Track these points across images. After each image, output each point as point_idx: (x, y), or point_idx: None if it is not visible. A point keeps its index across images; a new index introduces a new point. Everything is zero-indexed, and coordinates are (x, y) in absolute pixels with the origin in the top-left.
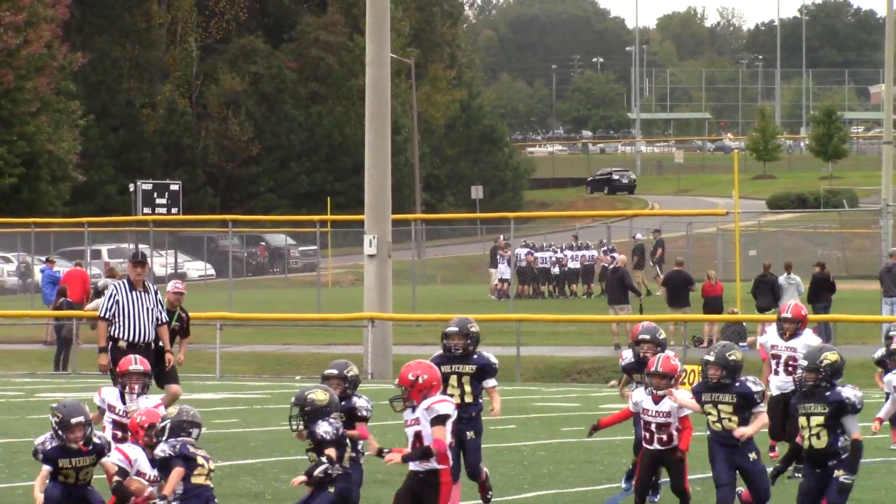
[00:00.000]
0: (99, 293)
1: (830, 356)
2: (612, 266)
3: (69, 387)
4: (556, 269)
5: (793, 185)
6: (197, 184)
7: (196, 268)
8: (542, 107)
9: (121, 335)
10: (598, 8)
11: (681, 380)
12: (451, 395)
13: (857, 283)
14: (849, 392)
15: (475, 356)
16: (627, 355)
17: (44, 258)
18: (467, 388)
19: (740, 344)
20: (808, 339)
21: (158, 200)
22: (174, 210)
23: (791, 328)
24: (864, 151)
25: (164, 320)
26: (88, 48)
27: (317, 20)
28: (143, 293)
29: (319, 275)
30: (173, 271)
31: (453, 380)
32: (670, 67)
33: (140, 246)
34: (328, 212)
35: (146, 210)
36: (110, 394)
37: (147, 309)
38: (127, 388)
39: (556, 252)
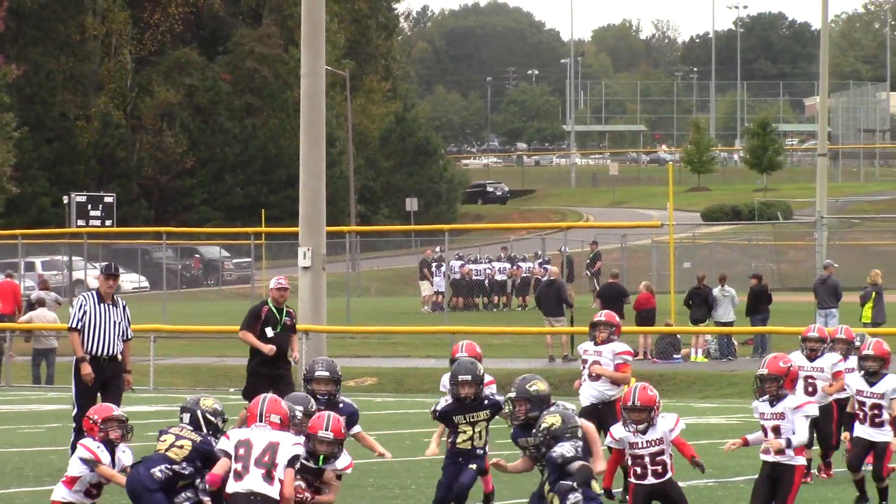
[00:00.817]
0: (32, 306)
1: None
2: (547, 279)
3: (2, 398)
4: (499, 277)
5: (727, 198)
6: (131, 196)
7: (130, 280)
8: (476, 119)
9: (86, 347)
10: (534, 20)
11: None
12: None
13: (791, 295)
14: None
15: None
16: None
17: None
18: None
19: (674, 356)
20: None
21: (92, 213)
22: (108, 222)
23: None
24: (798, 164)
25: (130, 336)
26: (23, 60)
27: (252, 32)
28: (111, 306)
29: (254, 287)
30: None
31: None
32: (605, 79)
33: (74, 258)
34: (262, 224)
35: (80, 222)
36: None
37: (115, 322)
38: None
39: (488, 263)
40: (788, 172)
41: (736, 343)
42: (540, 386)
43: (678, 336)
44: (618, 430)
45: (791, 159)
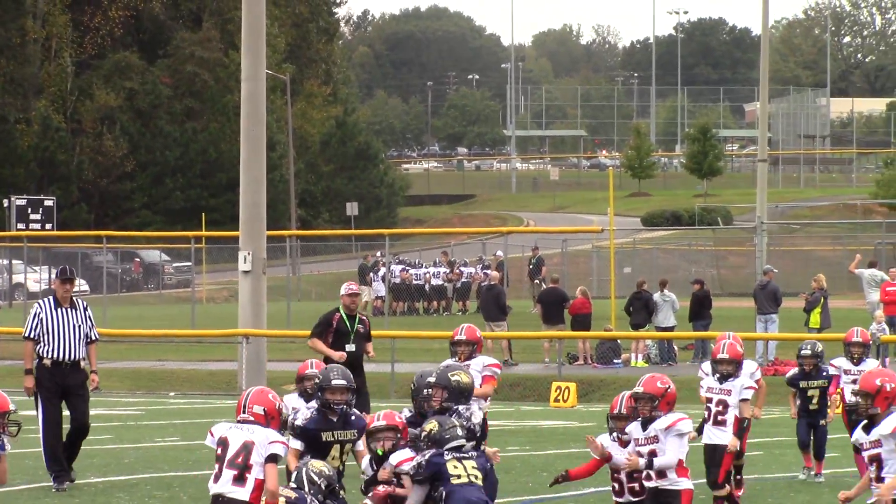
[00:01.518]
0: None
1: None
2: (487, 283)
3: None
4: (435, 281)
5: (668, 203)
6: (71, 199)
7: None
8: (417, 123)
9: (46, 353)
10: (474, 25)
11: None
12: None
13: (731, 300)
14: None
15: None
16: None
17: None
18: None
19: (614, 361)
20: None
21: (32, 216)
22: (48, 226)
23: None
24: (739, 169)
25: (95, 337)
26: None
27: (192, 36)
28: (70, 310)
29: (194, 291)
30: (47, 286)
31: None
32: (546, 84)
33: (13, 262)
34: (203, 228)
35: (20, 226)
36: None
37: (74, 326)
38: None
39: (428, 269)
40: (729, 178)
41: (676, 348)
42: (463, 378)
43: (618, 341)
44: (604, 437)
45: (731, 165)
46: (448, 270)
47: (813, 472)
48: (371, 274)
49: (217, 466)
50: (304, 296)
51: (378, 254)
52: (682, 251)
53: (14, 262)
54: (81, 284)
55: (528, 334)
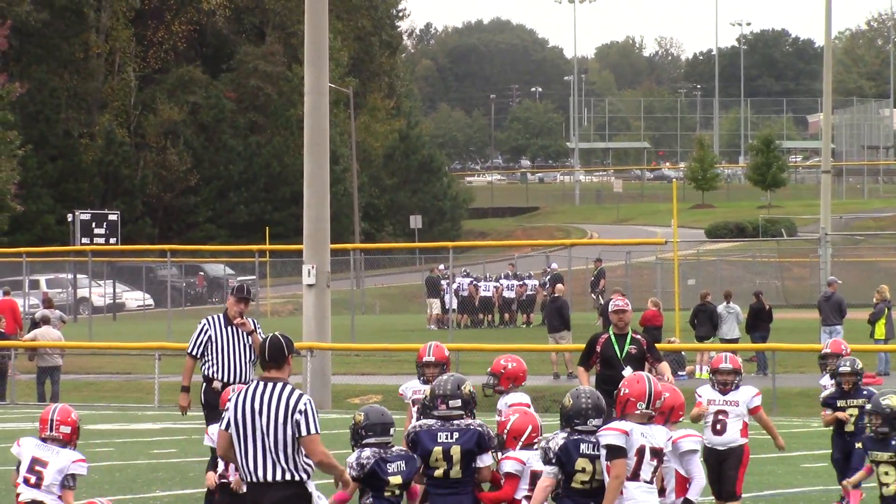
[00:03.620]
0: (36, 324)
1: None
2: (551, 296)
3: (6, 417)
4: (507, 294)
5: (731, 215)
6: (135, 214)
7: (135, 298)
8: (480, 136)
9: (215, 374)
10: (537, 37)
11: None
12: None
13: (795, 311)
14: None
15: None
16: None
17: None
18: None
19: (679, 373)
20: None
21: (97, 230)
22: (112, 240)
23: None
24: (802, 181)
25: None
26: (26, 78)
27: (255, 50)
28: (238, 329)
29: (258, 304)
30: (112, 301)
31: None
32: (609, 97)
33: (78, 276)
34: (267, 241)
35: (84, 240)
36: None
37: (245, 346)
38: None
39: (495, 281)
40: (792, 189)
41: (741, 360)
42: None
43: (683, 353)
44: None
45: (795, 176)
46: (519, 283)
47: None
48: (445, 286)
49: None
50: (368, 309)
51: (441, 266)
52: (745, 263)
53: (79, 276)
54: (146, 298)
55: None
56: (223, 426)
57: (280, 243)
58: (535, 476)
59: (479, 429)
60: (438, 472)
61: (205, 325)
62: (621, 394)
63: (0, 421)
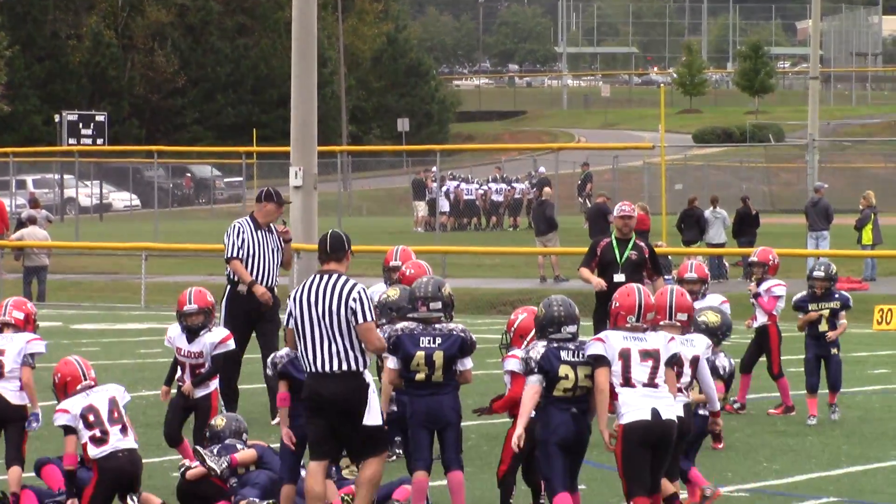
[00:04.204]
0: (22, 224)
1: None
2: (537, 199)
3: None
4: (496, 198)
5: (719, 120)
6: (122, 115)
7: (121, 198)
8: (468, 40)
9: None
10: None
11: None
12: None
13: (782, 217)
14: None
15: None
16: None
17: None
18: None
19: (665, 277)
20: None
21: (84, 131)
22: (99, 141)
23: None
24: (790, 87)
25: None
26: None
27: None
28: (267, 234)
29: (245, 206)
30: (98, 202)
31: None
32: (597, 2)
33: (65, 176)
34: (254, 143)
35: (72, 141)
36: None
37: (273, 250)
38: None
39: (481, 185)
40: (780, 95)
41: (727, 265)
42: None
43: (669, 257)
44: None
45: (783, 82)
46: (507, 187)
47: (815, 419)
48: (426, 189)
49: (95, 433)
50: (355, 211)
51: (434, 169)
52: (733, 168)
53: (66, 176)
54: (133, 199)
55: (577, 250)
56: (286, 322)
57: (267, 145)
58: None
59: (462, 334)
60: (420, 377)
61: (239, 227)
62: (613, 307)
63: None
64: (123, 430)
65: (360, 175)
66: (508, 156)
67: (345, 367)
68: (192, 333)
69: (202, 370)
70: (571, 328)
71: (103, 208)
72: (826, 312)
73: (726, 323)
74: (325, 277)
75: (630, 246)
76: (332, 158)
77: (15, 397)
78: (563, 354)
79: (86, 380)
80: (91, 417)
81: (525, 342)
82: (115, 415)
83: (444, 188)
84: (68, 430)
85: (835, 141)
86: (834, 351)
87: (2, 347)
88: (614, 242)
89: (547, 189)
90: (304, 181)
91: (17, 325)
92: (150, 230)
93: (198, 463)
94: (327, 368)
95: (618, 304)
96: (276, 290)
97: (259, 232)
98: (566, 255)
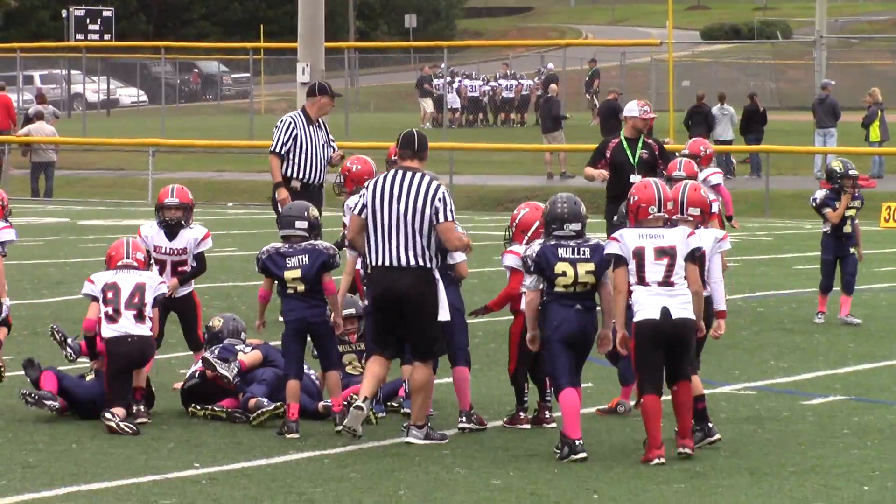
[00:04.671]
0: (29, 119)
1: None
2: (544, 95)
3: None
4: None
5: (727, 16)
6: (129, 10)
7: (128, 94)
8: None
9: (295, 174)
10: None
11: None
12: None
13: (790, 114)
14: None
15: None
16: None
17: None
18: None
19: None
20: None
21: (91, 27)
22: (107, 36)
23: None
24: None
25: (334, 149)
26: None
27: None
28: (318, 129)
29: (252, 102)
30: (105, 97)
31: None
32: None
33: (72, 72)
34: (261, 39)
35: (79, 36)
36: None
37: (323, 145)
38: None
39: (487, 82)
40: None
41: (735, 161)
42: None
43: (676, 154)
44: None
45: None
46: (515, 83)
47: (823, 317)
48: (430, 85)
49: (109, 310)
50: (363, 107)
51: (441, 66)
52: (740, 64)
53: (73, 72)
54: (140, 95)
55: (587, 146)
56: (356, 211)
57: (274, 41)
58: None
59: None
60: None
61: (290, 123)
62: (631, 202)
63: None
64: (139, 318)
65: (368, 71)
66: (516, 52)
67: (420, 262)
68: (170, 230)
69: (185, 268)
70: (575, 226)
71: (110, 104)
72: (853, 212)
73: None
74: (409, 174)
75: (640, 145)
76: (340, 55)
77: None
78: (562, 252)
79: (128, 258)
80: (110, 294)
81: (526, 237)
82: (136, 300)
83: (455, 84)
84: (93, 298)
85: (842, 38)
86: (852, 251)
87: None
88: (625, 142)
89: (553, 86)
90: (311, 77)
91: None
92: (158, 126)
93: (197, 369)
94: (402, 262)
95: (637, 198)
96: (323, 186)
97: (311, 127)
98: (573, 152)
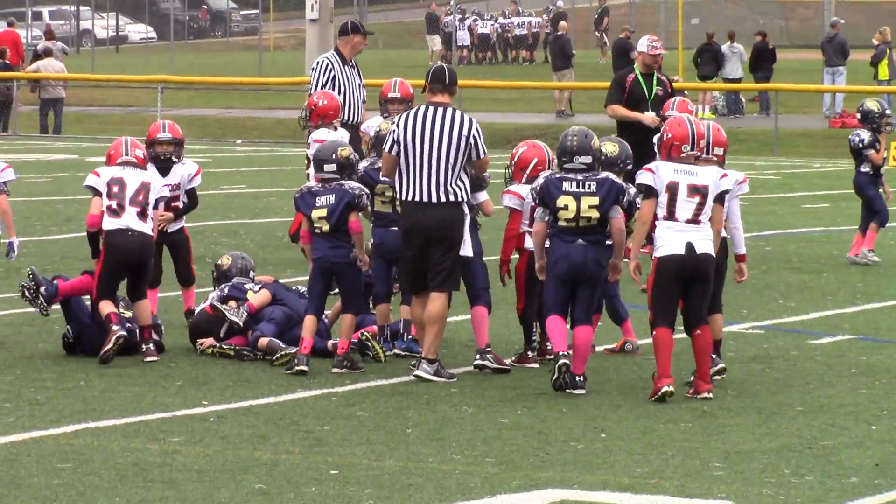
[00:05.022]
0: (38, 56)
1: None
2: (554, 34)
3: (9, 148)
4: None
5: None
6: None
7: (137, 30)
8: None
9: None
10: None
11: None
12: None
13: (799, 52)
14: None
15: None
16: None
17: None
18: None
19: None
20: None
21: None
22: None
23: None
24: None
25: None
26: None
27: None
28: (352, 68)
29: (261, 39)
30: (115, 34)
31: None
32: None
33: (81, 8)
34: None
35: None
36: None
37: (359, 86)
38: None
39: (496, 20)
40: None
41: (744, 100)
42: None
43: (685, 92)
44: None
45: None
46: (527, 20)
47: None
48: (438, 23)
49: (113, 204)
50: (371, 44)
51: (451, 2)
52: (749, 2)
53: (81, 8)
54: (149, 31)
55: (598, 84)
56: (387, 148)
57: None
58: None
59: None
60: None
61: (327, 63)
62: (665, 138)
63: (3, 152)
64: (142, 215)
65: (376, 8)
66: None
67: (452, 197)
68: (162, 165)
69: (177, 203)
70: (584, 159)
71: (119, 40)
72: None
73: (625, 152)
74: (440, 110)
75: (655, 81)
76: None
77: None
78: (566, 185)
79: (127, 155)
80: (115, 189)
81: (525, 175)
82: (140, 198)
83: (466, 22)
84: (95, 192)
85: None
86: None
87: None
88: (640, 78)
89: (563, 23)
90: (320, 14)
91: None
92: (166, 62)
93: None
94: (433, 198)
95: (671, 135)
96: (360, 126)
97: (346, 67)
98: (582, 90)
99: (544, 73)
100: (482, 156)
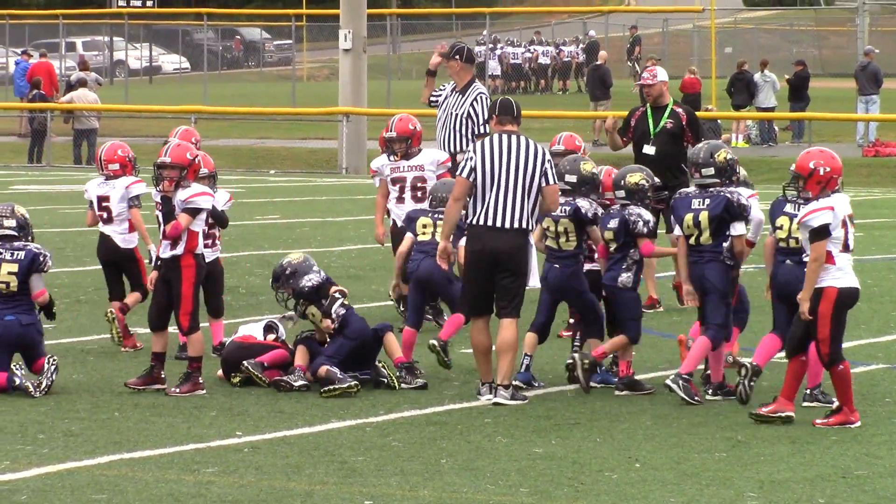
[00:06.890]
0: (72, 86)
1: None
2: (594, 63)
3: (43, 179)
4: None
5: None
6: None
7: (171, 61)
8: None
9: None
10: None
11: None
12: None
13: (832, 81)
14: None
15: None
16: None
17: (19, 51)
18: None
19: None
20: None
21: None
22: (149, 3)
23: None
24: None
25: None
26: None
27: None
28: (459, 95)
29: (294, 69)
30: (148, 64)
31: None
32: None
33: (114, 39)
34: (304, 5)
35: (121, 3)
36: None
37: (450, 114)
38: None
39: (527, 49)
40: None
41: (777, 129)
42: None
43: (719, 121)
44: None
45: None
46: (555, 51)
47: None
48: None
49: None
50: (405, 74)
51: (485, 32)
52: (783, 31)
53: (115, 38)
54: (182, 62)
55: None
56: (465, 175)
57: (317, 7)
58: None
59: None
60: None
61: (442, 89)
62: (821, 172)
63: (37, 183)
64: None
65: (410, 38)
66: (557, 18)
67: (522, 224)
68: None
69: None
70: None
71: (153, 71)
72: None
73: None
74: (514, 137)
75: (667, 114)
76: (382, 21)
77: (123, 241)
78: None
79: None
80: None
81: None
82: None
83: (497, 52)
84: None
85: (885, 4)
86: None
87: (106, 194)
88: (649, 111)
89: (603, 53)
90: (353, 44)
91: (115, 174)
92: (200, 93)
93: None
94: (507, 224)
95: (829, 169)
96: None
97: (454, 94)
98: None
99: (578, 103)
100: (552, 182)
